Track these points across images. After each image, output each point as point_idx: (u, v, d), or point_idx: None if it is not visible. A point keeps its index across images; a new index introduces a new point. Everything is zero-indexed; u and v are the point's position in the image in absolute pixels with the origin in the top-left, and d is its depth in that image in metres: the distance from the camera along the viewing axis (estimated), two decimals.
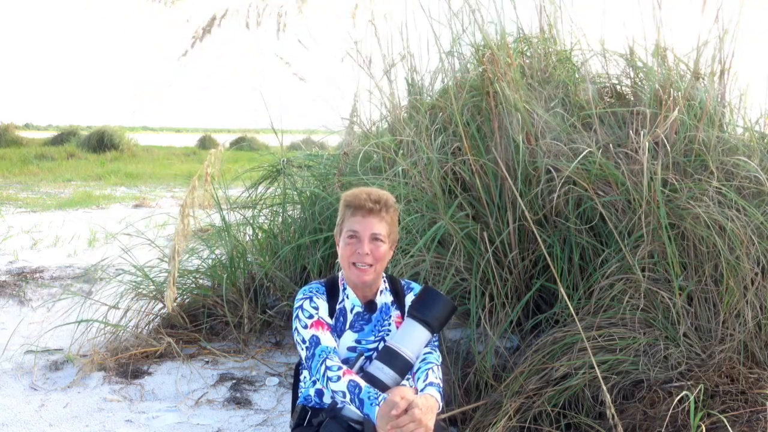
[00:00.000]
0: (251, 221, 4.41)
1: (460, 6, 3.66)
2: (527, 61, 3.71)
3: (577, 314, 2.72)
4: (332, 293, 2.15)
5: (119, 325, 3.79)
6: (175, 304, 3.95)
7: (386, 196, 2.13)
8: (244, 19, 3.29)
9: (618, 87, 3.67)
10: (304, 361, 2.07)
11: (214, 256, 4.18)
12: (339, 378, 1.93)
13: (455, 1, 3.66)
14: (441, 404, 1.99)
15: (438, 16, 3.73)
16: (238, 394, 3.28)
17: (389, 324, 2.17)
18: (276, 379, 3.43)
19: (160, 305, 3.96)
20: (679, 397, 2.45)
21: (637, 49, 3.51)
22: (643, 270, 2.84)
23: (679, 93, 3.09)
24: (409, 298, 2.21)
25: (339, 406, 2.00)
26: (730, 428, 2.32)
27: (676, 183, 2.84)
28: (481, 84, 3.39)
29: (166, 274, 4.04)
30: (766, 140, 3.23)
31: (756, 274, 2.71)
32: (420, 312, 2.08)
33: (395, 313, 2.19)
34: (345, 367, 1.98)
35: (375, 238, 2.08)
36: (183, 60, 3.25)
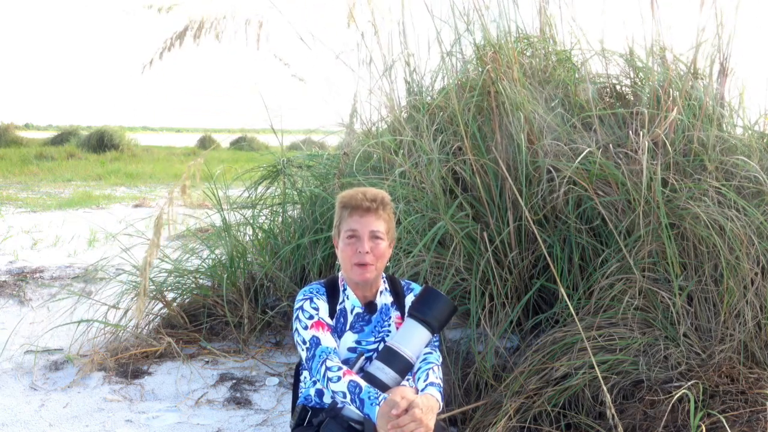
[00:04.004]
0: (251, 221, 4.41)
1: (462, 5, 3.67)
2: (527, 60, 3.71)
3: (577, 314, 2.73)
4: (332, 294, 2.15)
5: (119, 325, 3.79)
6: (172, 302, 3.96)
7: (382, 194, 2.14)
8: (219, 31, 3.25)
9: (618, 87, 3.67)
10: (304, 362, 2.07)
11: (214, 256, 4.18)
12: (339, 378, 1.93)
13: (458, 0, 3.67)
14: (441, 404, 1.99)
15: (440, 14, 3.75)
16: (238, 394, 3.28)
17: (389, 325, 2.17)
18: (276, 379, 3.43)
19: (160, 305, 3.96)
20: (679, 397, 2.45)
21: (637, 49, 3.51)
22: (643, 270, 2.84)
23: (679, 93, 3.09)
24: (409, 299, 2.21)
25: (339, 406, 2.00)
26: (729, 429, 2.32)
27: (675, 183, 2.84)
28: (482, 83, 3.39)
29: (166, 274, 4.05)
30: (765, 140, 3.23)
31: (756, 274, 2.71)
32: (420, 312, 2.08)
33: (395, 313, 2.19)
34: (345, 368, 1.98)
35: (374, 235, 2.09)
36: (148, 70, 3.22)
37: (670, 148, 2.86)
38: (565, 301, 2.64)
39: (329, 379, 1.94)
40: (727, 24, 3.08)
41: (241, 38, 3.32)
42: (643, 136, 2.81)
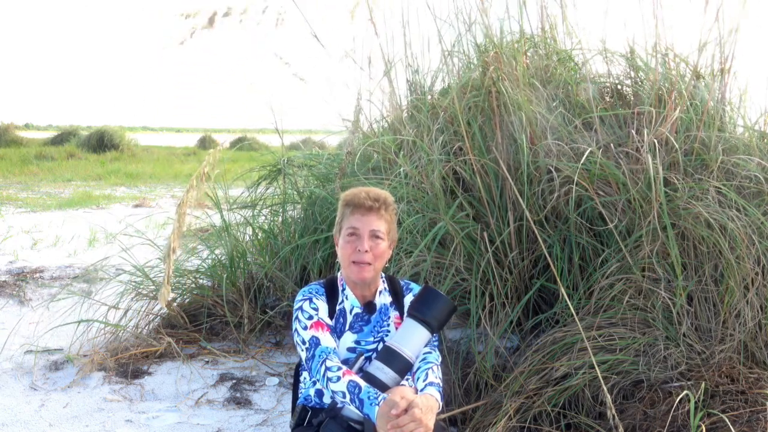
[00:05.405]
0: (251, 221, 4.41)
1: (463, 5, 3.67)
2: (528, 60, 3.71)
3: (577, 314, 2.72)
4: (332, 294, 2.15)
5: (119, 325, 3.79)
6: (172, 303, 3.96)
7: (385, 194, 2.14)
8: (244, 17, 3.32)
9: (619, 87, 3.67)
10: (304, 362, 2.07)
11: (214, 256, 4.18)
12: (339, 378, 1.93)
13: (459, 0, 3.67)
14: (441, 404, 1.99)
15: (441, 14, 3.74)
16: (238, 394, 3.28)
17: (388, 325, 2.17)
18: (276, 379, 3.43)
19: (160, 305, 3.96)
20: (679, 397, 2.45)
21: (638, 49, 3.51)
22: (643, 270, 2.84)
23: (680, 93, 3.09)
24: (408, 299, 2.21)
25: (339, 406, 2.00)
26: (730, 428, 2.32)
27: (676, 183, 2.84)
28: (483, 83, 3.39)
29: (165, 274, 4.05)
30: (766, 140, 3.23)
31: (756, 274, 2.71)
32: (420, 312, 2.08)
33: (394, 314, 2.19)
34: (345, 368, 1.98)
35: (375, 235, 2.09)
36: (180, 48, 3.29)
37: (676, 144, 2.85)
38: (565, 301, 2.64)
39: (329, 379, 1.94)
40: (730, 24, 3.08)
41: (262, 23, 3.41)
42: (646, 135, 2.81)
